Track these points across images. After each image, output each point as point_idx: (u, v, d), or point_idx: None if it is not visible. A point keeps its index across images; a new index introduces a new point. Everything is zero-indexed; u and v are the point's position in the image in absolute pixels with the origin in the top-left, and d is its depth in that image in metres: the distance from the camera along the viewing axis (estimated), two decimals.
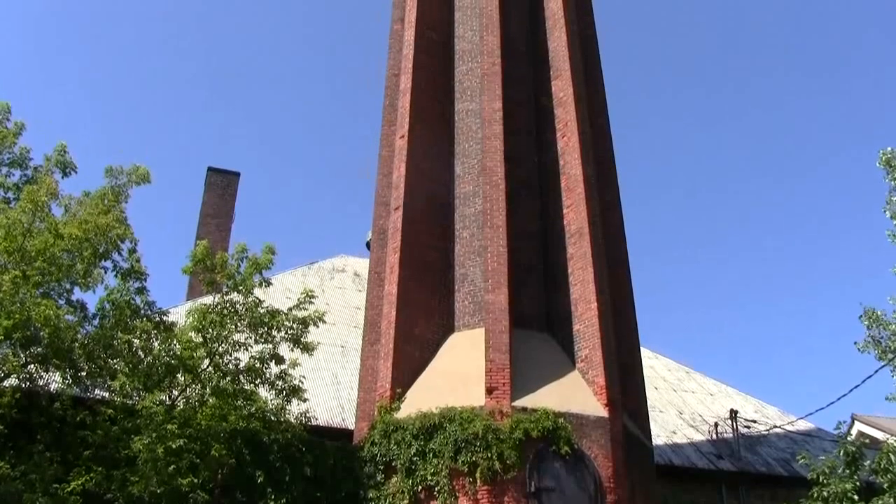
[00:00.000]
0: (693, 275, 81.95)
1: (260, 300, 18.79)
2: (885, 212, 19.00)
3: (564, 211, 20.67)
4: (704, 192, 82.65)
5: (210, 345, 18.08)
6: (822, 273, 78.74)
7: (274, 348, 18.75)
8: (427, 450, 17.66)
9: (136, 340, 17.63)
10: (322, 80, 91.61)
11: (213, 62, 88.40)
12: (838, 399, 23.96)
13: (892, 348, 18.63)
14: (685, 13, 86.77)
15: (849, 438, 20.29)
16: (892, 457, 16.55)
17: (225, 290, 18.75)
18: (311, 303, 19.27)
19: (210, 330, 18.07)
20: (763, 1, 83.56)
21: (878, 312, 18.94)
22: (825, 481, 16.98)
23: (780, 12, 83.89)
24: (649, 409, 22.47)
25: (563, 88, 21.71)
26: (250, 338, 18.62)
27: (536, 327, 20.21)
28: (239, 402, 17.97)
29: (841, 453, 17.29)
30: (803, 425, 27.78)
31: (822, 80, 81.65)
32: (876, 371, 19.59)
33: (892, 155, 18.79)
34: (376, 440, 18.44)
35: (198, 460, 16.30)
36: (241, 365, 18.37)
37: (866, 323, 19.02)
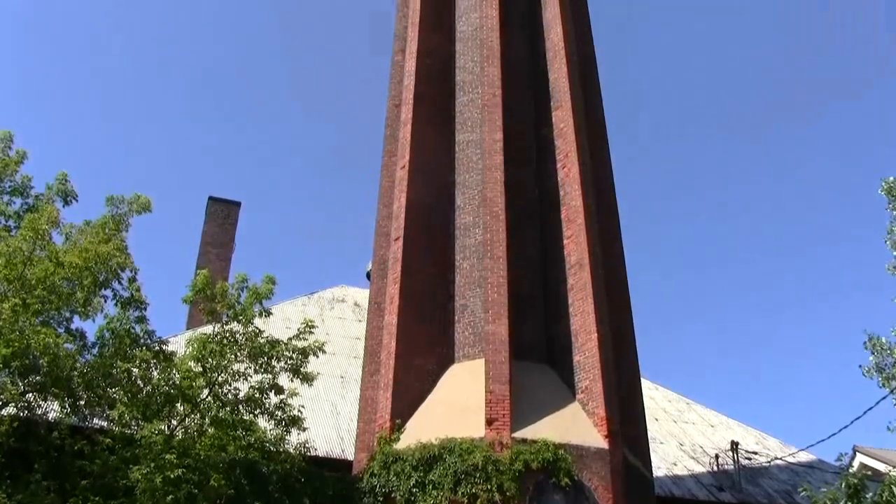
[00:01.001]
0: (693, 305, 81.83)
1: (260, 330, 18.77)
2: (886, 242, 18.97)
3: (565, 242, 20.68)
4: (705, 222, 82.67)
5: (209, 374, 18.06)
6: (824, 304, 78.63)
7: (273, 378, 18.72)
8: (427, 481, 17.57)
9: (135, 369, 17.60)
10: (323, 109, 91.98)
11: (216, 91, 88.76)
12: (840, 430, 23.87)
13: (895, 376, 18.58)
14: (687, 45, 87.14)
15: (851, 470, 20.19)
16: (895, 489, 16.44)
17: (225, 319, 18.75)
18: (310, 333, 19.26)
19: (210, 359, 18.06)
20: (760, 30, 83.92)
21: (882, 340, 18.89)
22: None
23: (778, 32, 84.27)
24: (650, 440, 22.40)
25: (563, 119, 21.76)
26: (250, 367, 18.61)
27: (536, 358, 20.18)
28: (238, 432, 17.93)
29: (843, 485, 17.14)
30: (805, 457, 27.68)
31: (824, 107, 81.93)
32: (878, 402, 19.52)
33: (894, 184, 18.76)
34: (376, 471, 18.36)
35: (196, 490, 16.21)
36: (241, 395, 18.35)
37: (870, 349, 18.96)
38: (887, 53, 75.41)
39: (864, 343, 19.25)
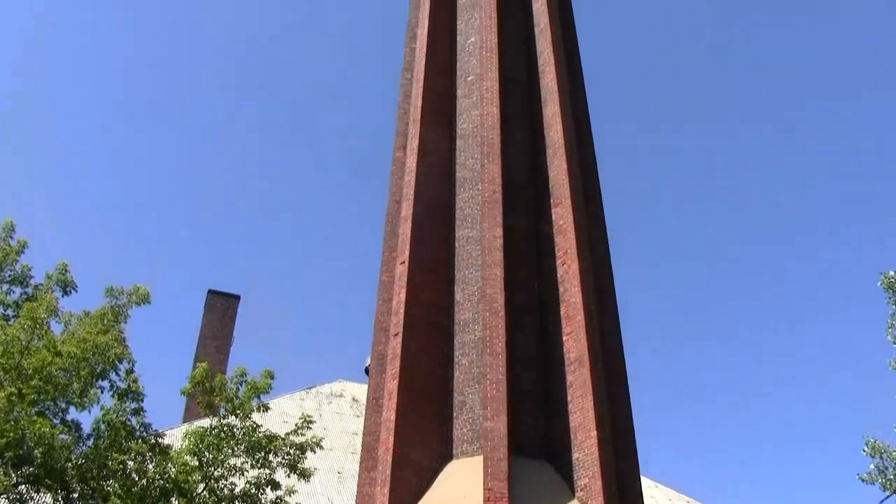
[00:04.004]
0: (693, 402, 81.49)
1: (257, 424, 18.69)
2: (887, 335, 18.99)
3: (564, 338, 20.62)
4: (705, 318, 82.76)
5: (206, 468, 17.94)
6: (825, 400, 78.42)
7: (270, 473, 18.57)
8: None
9: (130, 462, 17.49)
10: (323, 204, 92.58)
11: (217, 184, 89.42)
12: None
13: None
14: (685, 140, 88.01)
15: None
16: None
17: (222, 412, 18.68)
18: (308, 428, 19.19)
19: (206, 453, 17.96)
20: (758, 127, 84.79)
21: (881, 443, 18.77)
22: None
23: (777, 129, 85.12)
24: None
25: (563, 216, 21.84)
26: (247, 462, 18.48)
27: (535, 455, 19.98)
28: None
29: None
30: None
31: (823, 203, 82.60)
32: (881, 501, 19.32)
33: (894, 278, 18.84)
34: None
35: None
36: (237, 490, 18.18)
37: (869, 452, 18.83)
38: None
39: (863, 449, 19.14)
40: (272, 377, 19.17)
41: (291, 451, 18.97)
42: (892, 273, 18.93)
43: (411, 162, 23.25)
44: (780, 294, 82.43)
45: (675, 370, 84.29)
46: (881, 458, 18.75)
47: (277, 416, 24.70)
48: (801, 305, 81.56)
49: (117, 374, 17.94)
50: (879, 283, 19.14)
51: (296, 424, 19.31)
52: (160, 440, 18.33)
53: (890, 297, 18.91)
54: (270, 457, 18.72)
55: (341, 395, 32.42)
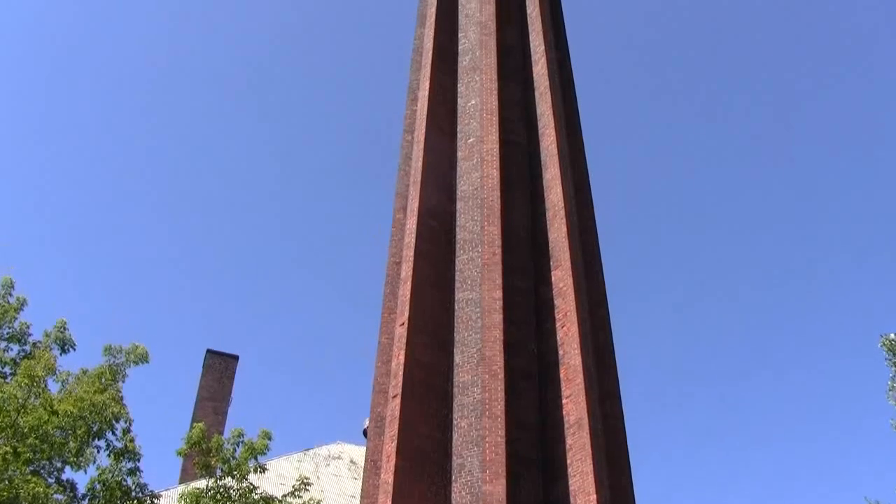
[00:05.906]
0: (694, 466, 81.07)
1: (254, 486, 18.57)
2: (888, 398, 18.99)
3: (563, 401, 20.53)
4: (706, 379, 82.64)
5: None
6: (828, 464, 78.03)
7: None
8: None
9: None
10: (321, 265, 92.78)
11: (216, 244, 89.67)
12: None
13: None
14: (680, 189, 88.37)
15: None
16: None
17: (219, 473, 18.58)
18: (306, 490, 19.07)
19: None
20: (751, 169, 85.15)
21: None
22: None
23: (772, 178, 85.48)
24: None
25: (562, 279, 21.85)
26: None
27: None
28: None
29: None
30: None
31: (824, 261, 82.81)
32: None
33: (895, 340, 18.88)
34: None
35: None
36: None
37: None
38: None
39: None
40: (269, 438, 19.10)
41: None
42: (892, 335, 18.96)
43: (411, 223, 23.30)
44: (779, 347, 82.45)
45: (676, 434, 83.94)
46: None
47: (274, 478, 24.52)
48: (802, 361, 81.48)
49: (114, 433, 17.88)
50: (880, 344, 19.17)
51: (293, 486, 19.17)
52: (156, 501, 18.22)
53: (890, 359, 18.93)
54: None
55: (339, 458, 32.23)
